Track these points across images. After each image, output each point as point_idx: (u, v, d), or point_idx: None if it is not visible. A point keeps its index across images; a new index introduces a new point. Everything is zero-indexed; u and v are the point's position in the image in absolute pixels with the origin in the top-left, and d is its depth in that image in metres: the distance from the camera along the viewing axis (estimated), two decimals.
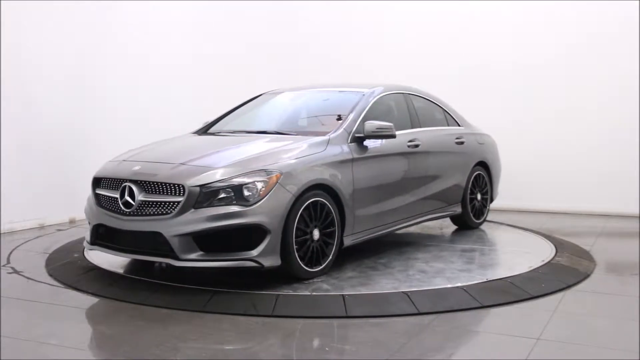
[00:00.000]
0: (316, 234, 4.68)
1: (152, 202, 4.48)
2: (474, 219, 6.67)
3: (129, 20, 8.08)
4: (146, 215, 4.48)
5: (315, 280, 4.65)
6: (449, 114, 6.61)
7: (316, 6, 9.52)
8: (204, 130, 5.95)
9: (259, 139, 5.27)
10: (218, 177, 4.43)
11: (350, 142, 5.12)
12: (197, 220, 4.30)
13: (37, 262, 5.39)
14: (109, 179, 4.81)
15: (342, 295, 4.28)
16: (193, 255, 4.32)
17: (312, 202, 4.64)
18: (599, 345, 3.60)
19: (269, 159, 4.64)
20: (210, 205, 4.34)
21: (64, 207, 7.15)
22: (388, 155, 5.43)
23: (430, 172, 5.92)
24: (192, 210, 4.34)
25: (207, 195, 4.36)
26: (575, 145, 8.14)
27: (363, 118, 5.31)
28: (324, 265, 4.76)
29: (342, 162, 4.96)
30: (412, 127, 5.88)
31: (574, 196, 8.12)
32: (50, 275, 4.99)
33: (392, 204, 5.47)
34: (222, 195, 4.37)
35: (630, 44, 7.82)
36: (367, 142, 5.23)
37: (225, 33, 9.31)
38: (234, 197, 4.36)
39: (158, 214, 4.43)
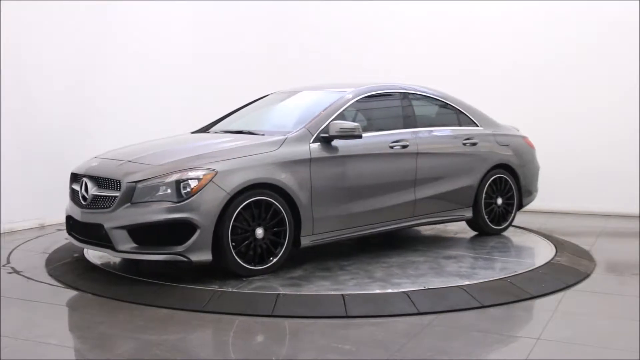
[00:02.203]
0: (259, 232, 4.68)
1: (101, 196, 4.75)
2: (491, 225, 6.23)
3: (129, 20, 8.07)
4: (95, 208, 4.75)
5: (256, 278, 4.63)
6: (464, 114, 6.30)
7: (316, 6, 9.51)
8: (202, 130, 5.98)
9: (221, 138, 5.35)
10: (154, 173, 4.59)
11: (313, 142, 5.04)
12: (131, 214, 4.53)
13: (37, 262, 5.39)
14: (78, 174, 5.11)
15: (342, 294, 4.28)
16: (127, 247, 4.54)
17: (255, 200, 4.65)
18: (599, 345, 3.60)
19: (211, 157, 4.72)
20: (146, 200, 4.53)
21: (64, 207, 7.11)
22: (363, 156, 5.28)
23: (423, 174, 5.66)
24: (129, 204, 4.55)
25: (142, 191, 4.54)
26: (575, 145, 8.12)
27: (336, 118, 5.22)
28: (270, 264, 4.75)
29: (297, 161, 4.90)
30: (405, 127, 5.68)
31: (574, 196, 8.11)
32: (50, 275, 5.00)
33: (367, 206, 5.29)
34: (158, 191, 4.53)
35: (630, 44, 7.81)
36: (337, 143, 5.13)
37: (225, 33, 9.30)
38: (168, 194, 4.51)
39: (102, 207, 4.69)
